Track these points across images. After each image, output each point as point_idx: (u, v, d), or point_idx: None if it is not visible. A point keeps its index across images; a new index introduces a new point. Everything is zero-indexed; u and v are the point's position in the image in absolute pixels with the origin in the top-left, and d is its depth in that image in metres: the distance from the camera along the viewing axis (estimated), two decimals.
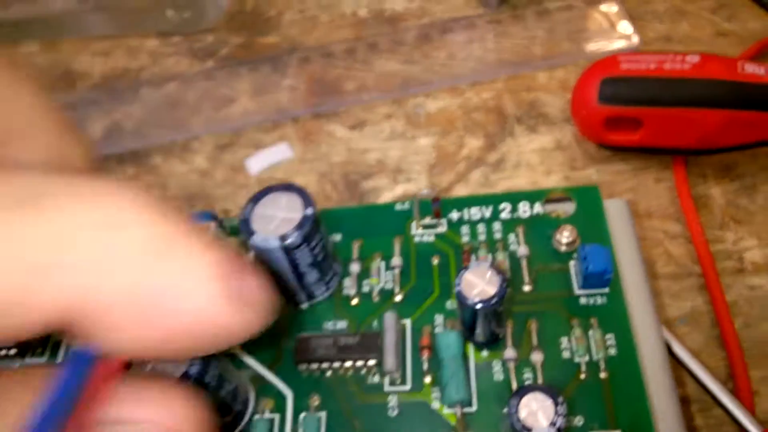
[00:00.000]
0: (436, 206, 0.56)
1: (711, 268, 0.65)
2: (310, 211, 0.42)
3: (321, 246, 0.45)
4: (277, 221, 0.41)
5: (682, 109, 0.66)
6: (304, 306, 0.53)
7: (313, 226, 0.41)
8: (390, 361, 0.48)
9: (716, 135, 0.67)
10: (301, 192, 0.43)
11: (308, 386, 0.49)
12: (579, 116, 0.72)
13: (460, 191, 0.75)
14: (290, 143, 0.81)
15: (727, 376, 0.61)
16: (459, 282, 0.45)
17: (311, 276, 0.50)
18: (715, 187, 0.72)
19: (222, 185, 0.80)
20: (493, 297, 0.44)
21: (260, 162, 0.81)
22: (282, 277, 0.47)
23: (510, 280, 0.46)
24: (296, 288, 0.51)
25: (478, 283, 0.44)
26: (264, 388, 0.50)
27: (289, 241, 0.40)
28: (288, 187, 0.43)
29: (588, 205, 0.56)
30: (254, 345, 0.52)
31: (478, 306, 0.44)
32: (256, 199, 0.42)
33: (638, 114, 0.67)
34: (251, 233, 0.42)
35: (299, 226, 0.41)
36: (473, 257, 0.54)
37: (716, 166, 0.73)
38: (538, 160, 0.76)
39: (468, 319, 0.47)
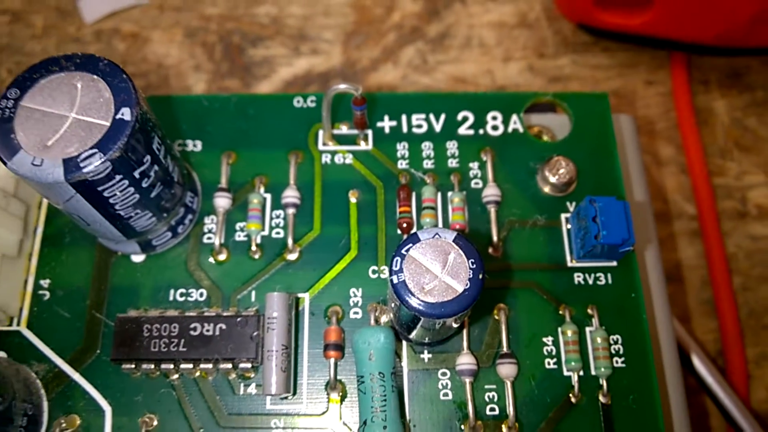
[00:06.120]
0: (360, 111, 0.34)
1: (710, 210, 0.49)
2: (127, 113, 0.25)
3: (156, 168, 0.28)
4: (61, 130, 0.24)
5: None
6: (137, 259, 0.32)
7: (135, 141, 0.25)
8: (273, 383, 0.28)
9: (746, 29, 0.48)
10: (111, 72, 0.25)
11: (136, 395, 0.30)
12: None
13: (386, 75, 0.53)
14: None
15: (716, 352, 0.47)
16: (397, 265, 0.25)
17: (139, 216, 0.29)
18: (719, 99, 0.55)
19: (42, 36, 0.55)
20: (457, 301, 0.25)
21: (101, 3, 0.56)
22: (84, 219, 0.29)
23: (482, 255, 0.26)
24: (110, 232, 0.29)
25: (433, 269, 0.25)
26: (65, 394, 0.30)
27: (85, 170, 0.24)
28: (89, 62, 0.26)
29: (589, 124, 0.37)
30: (48, 325, 0.32)
31: (431, 316, 0.25)
32: (26, 80, 0.25)
33: None
34: (12, 150, 0.24)
35: (105, 142, 0.24)
36: (424, 223, 0.34)
37: (723, 70, 0.56)
38: (495, 38, 0.55)
39: (406, 318, 0.28)
